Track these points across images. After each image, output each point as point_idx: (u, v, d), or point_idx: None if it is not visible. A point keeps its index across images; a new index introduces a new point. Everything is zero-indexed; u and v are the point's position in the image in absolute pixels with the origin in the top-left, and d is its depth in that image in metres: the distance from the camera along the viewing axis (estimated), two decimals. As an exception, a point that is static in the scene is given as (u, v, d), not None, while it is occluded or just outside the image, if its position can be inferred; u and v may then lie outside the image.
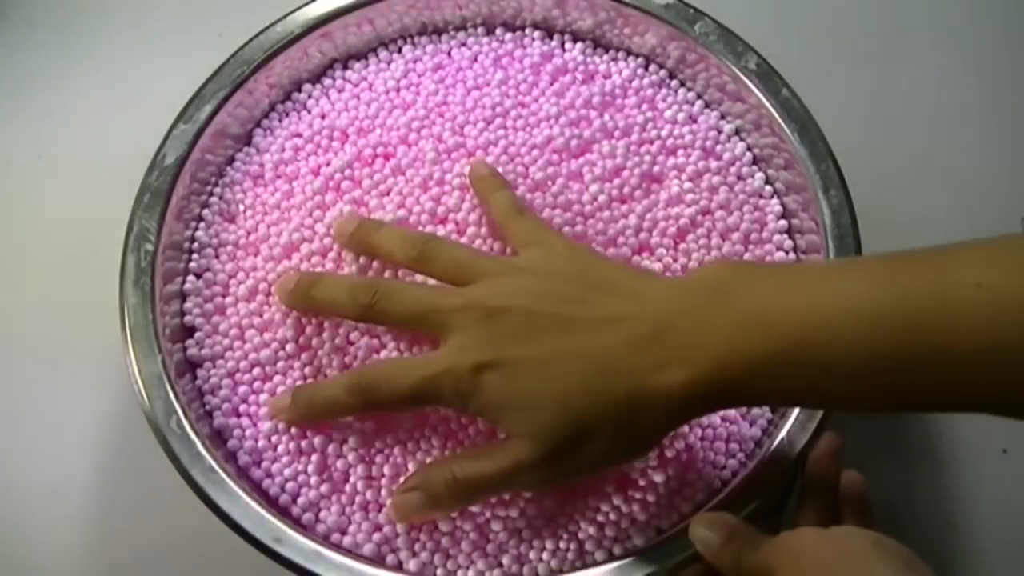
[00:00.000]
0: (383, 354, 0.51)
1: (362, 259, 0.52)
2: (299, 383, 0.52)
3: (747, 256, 0.53)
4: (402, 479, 0.50)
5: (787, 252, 0.55)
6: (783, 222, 0.56)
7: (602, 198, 0.54)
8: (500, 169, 0.54)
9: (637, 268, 0.53)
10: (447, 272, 0.49)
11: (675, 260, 0.54)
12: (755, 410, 0.52)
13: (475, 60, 0.59)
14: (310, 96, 0.59)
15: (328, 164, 0.56)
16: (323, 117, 0.58)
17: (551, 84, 0.58)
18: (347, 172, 0.55)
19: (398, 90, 0.59)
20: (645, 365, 0.42)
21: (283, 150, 0.57)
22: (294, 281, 0.51)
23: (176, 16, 0.70)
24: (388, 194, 0.55)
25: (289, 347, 0.52)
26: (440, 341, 0.47)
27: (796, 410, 0.50)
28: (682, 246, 0.55)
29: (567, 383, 0.43)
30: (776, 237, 0.55)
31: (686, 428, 0.51)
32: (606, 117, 0.57)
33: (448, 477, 0.46)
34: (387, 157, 0.56)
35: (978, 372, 0.38)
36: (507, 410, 0.44)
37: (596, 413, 0.43)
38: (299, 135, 0.57)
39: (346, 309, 0.50)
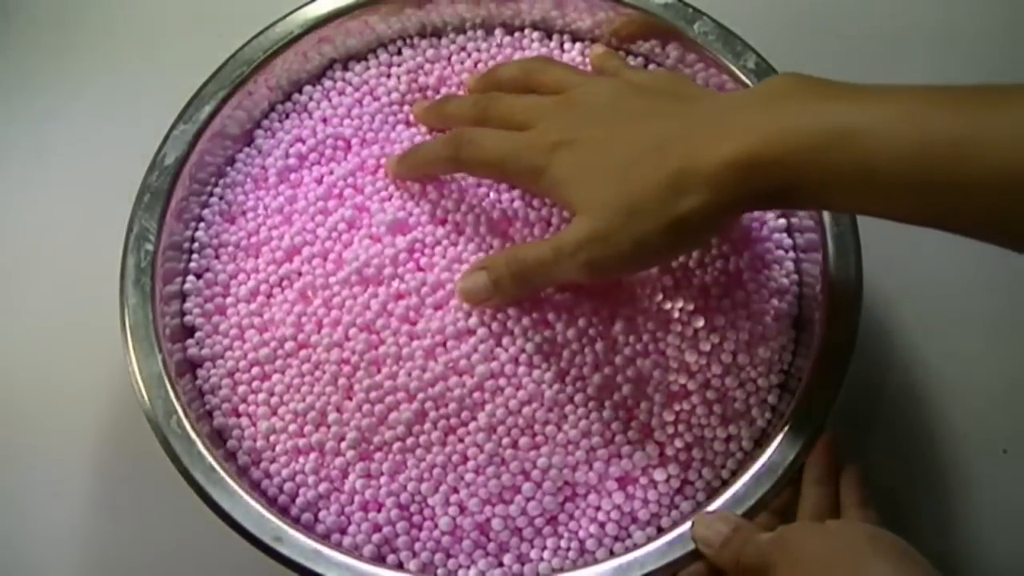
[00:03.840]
0: (381, 350, 0.52)
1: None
2: (297, 380, 0.52)
3: (745, 254, 0.53)
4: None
5: (786, 251, 0.55)
6: (782, 220, 0.56)
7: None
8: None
9: None
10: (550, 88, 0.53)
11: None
12: (754, 409, 0.52)
13: (475, 67, 0.59)
14: (311, 99, 0.59)
15: (331, 173, 0.56)
16: (325, 122, 0.58)
17: (550, 84, 0.58)
18: (349, 180, 0.56)
19: (402, 104, 0.59)
20: (699, 143, 0.44)
21: (287, 156, 0.57)
22: (424, 106, 0.58)
23: (176, 16, 0.70)
24: (390, 199, 0.55)
25: (288, 345, 0.52)
26: None
27: (793, 408, 0.50)
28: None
29: (628, 158, 0.46)
30: (776, 236, 0.55)
31: (686, 427, 0.51)
32: (606, 116, 0.57)
33: (510, 257, 0.50)
34: None
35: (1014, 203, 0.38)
36: (572, 183, 0.48)
37: (648, 188, 0.45)
38: (302, 141, 0.57)
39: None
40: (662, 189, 0.44)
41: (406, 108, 0.59)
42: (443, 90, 0.59)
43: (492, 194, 0.55)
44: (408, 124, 0.58)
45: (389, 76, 0.60)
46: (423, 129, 0.58)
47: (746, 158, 0.42)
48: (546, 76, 0.53)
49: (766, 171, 0.42)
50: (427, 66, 0.60)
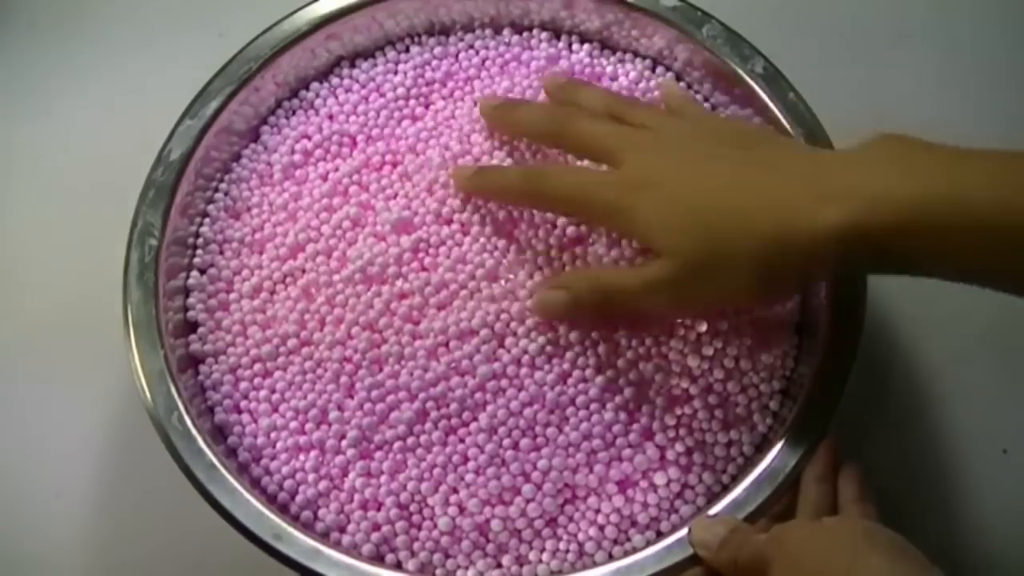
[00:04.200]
0: (383, 348, 0.52)
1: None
2: (299, 378, 0.52)
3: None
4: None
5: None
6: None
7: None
8: (505, 168, 0.55)
9: None
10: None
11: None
12: (756, 415, 0.52)
13: (483, 65, 0.59)
14: (317, 95, 0.59)
15: (336, 170, 0.56)
16: (331, 118, 0.58)
17: (557, 86, 0.58)
18: (355, 177, 0.56)
19: (407, 99, 0.58)
20: (796, 205, 0.43)
21: (292, 152, 0.57)
22: (493, 104, 0.55)
23: (176, 16, 0.70)
24: (395, 198, 0.55)
25: (291, 342, 0.53)
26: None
27: (794, 414, 0.50)
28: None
29: (720, 206, 0.45)
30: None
31: (687, 431, 0.51)
32: (611, 118, 0.57)
33: (594, 280, 0.50)
34: (395, 164, 0.56)
35: None
36: (657, 226, 0.46)
37: (739, 242, 0.44)
38: (308, 137, 0.57)
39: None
40: (753, 250, 0.44)
41: (411, 103, 0.58)
42: (449, 84, 0.59)
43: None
44: (414, 120, 0.58)
45: (396, 73, 0.59)
46: (429, 124, 0.57)
47: (849, 224, 0.41)
48: (629, 118, 0.51)
49: (872, 237, 0.41)
50: (434, 63, 0.59)
